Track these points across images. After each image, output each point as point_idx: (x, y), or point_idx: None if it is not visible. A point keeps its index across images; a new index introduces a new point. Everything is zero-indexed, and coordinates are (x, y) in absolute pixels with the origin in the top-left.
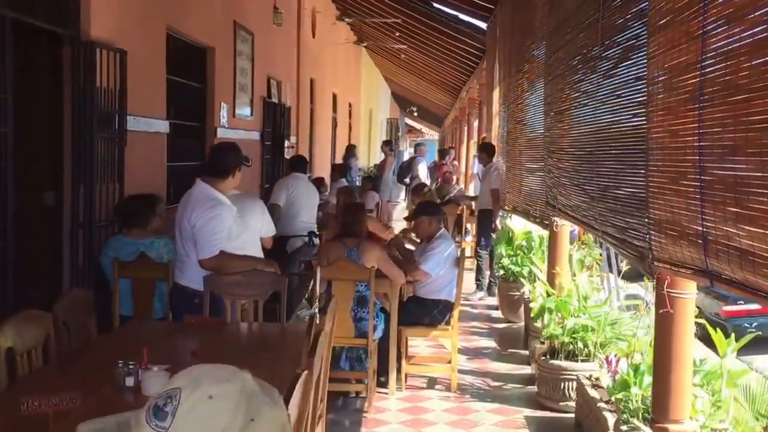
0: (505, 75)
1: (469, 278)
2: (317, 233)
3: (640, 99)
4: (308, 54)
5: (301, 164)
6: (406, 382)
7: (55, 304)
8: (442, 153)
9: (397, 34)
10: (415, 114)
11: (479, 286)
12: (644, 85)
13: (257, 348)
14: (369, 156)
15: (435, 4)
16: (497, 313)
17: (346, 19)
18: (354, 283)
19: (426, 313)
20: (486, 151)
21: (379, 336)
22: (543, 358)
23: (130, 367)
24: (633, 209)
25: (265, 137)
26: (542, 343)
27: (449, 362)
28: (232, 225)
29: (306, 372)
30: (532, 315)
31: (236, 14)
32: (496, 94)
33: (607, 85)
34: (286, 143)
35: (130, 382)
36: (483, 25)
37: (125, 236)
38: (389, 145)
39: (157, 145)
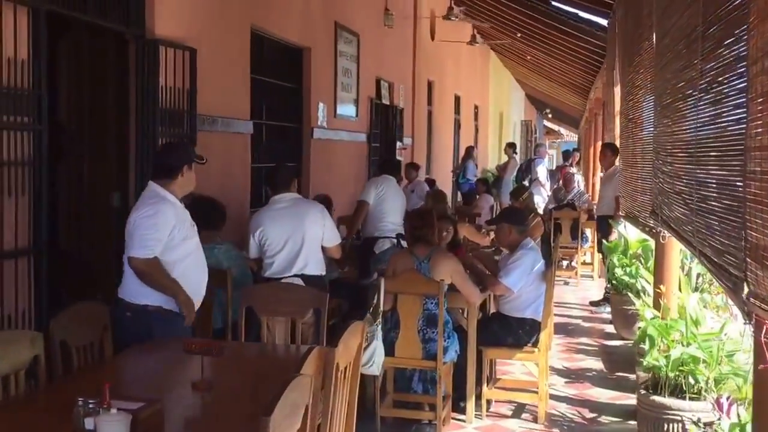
0: (622, 71)
1: (589, 285)
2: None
3: (742, 85)
4: (425, 55)
5: (390, 167)
6: (488, 409)
7: (51, 319)
8: (566, 155)
9: (519, 34)
10: (550, 116)
11: (609, 300)
12: (746, 67)
13: (267, 378)
14: (500, 158)
15: (553, 2)
16: (611, 329)
17: (452, 17)
18: (422, 298)
19: (510, 332)
20: (612, 151)
21: (452, 358)
22: (643, 392)
23: (90, 406)
24: (730, 228)
25: (372, 139)
26: (647, 371)
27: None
28: (177, 226)
29: None
30: (635, 338)
31: (337, 15)
32: (616, 92)
33: (709, 70)
34: (398, 145)
35: (89, 423)
36: (603, 21)
37: None
38: (513, 148)
39: (238, 146)
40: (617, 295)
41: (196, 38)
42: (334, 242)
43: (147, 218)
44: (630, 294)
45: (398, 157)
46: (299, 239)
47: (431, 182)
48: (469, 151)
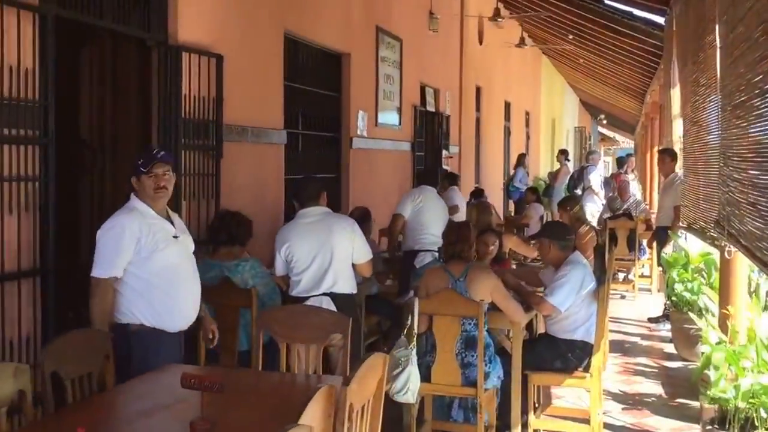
0: (682, 71)
1: (647, 300)
2: None
3: None
4: (473, 60)
5: (429, 176)
6: None
7: (41, 349)
8: (621, 162)
9: (571, 36)
10: (604, 122)
11: (668, 316)
12: None
13: (279, 415)
14: (552, 167)
15: (606, 1)
16: (671, 348)
17: (499, 19)
18: (459, 319)
19: (558, 355)
20: (671, 157)
21: (494, 384)
22: (709, 426)
23: None
24: None
25: (416, 148)
26: (713, 403)
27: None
28: (144, 237)
29: None
30: (698, 362)
31: (379, 19)
32: (674, 93)
33: None
34: (444, 153)
35: None
36: (660, 19)
37: (210, 258)
38: (565, 155)
39: (270, 157)
40: (677, 312)
41: (224, 44)
42: (364, 259)
43: (106, 231)
44: (691, 313)
45: (444, 166)
46: (327, 256)
47: (480, 191)
48: (521, 158)
